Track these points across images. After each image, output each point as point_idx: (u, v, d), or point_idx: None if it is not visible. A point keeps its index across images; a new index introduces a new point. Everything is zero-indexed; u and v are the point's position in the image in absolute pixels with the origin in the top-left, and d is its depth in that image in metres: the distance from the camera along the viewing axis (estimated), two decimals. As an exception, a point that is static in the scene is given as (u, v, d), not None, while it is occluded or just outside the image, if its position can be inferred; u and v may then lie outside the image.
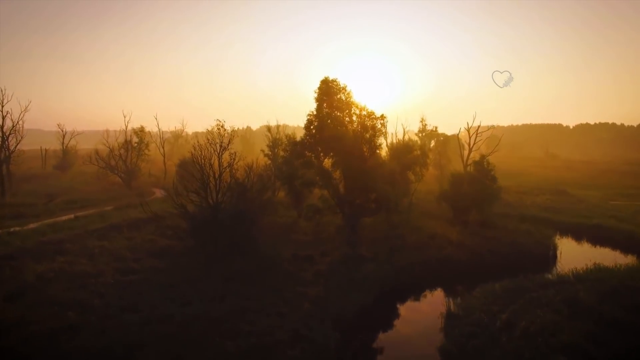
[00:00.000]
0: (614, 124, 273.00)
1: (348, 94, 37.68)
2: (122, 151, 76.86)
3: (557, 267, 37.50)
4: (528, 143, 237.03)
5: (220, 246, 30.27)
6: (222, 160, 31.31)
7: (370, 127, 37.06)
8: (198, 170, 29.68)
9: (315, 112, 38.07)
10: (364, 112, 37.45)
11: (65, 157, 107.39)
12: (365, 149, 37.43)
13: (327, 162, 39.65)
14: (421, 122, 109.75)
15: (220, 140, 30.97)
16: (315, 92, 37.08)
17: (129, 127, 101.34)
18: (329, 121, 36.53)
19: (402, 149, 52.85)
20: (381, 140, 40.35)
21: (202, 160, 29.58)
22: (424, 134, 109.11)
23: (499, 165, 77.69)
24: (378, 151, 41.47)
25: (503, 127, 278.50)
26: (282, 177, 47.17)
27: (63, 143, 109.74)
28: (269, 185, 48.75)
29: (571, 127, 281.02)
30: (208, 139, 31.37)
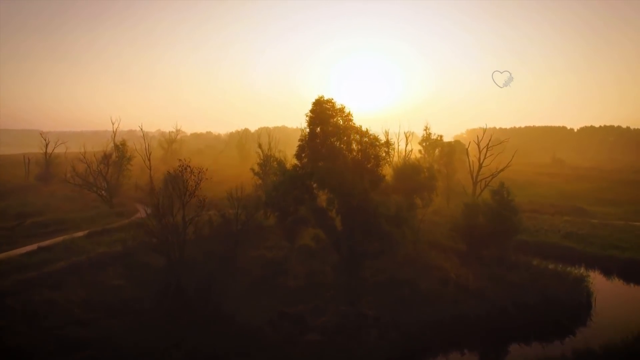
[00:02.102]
0: (619, 127, 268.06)
1: (346, 116, 31.85)
2: (102, 166, 70.75)
3: (596, 321, 31.71)
4: (532, 146, 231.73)
5: (185, 322, 24.44)
6: (188, 210, 25.58)
7: (373, 157, 31.24)
8: (157, 224, 23.96)
9: (307, 138, 32.25)
10: (365, 139, 31.60)
11: (48, 167, 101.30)
12: (366, 182, 31.56)
13: (323, 196, 33.81)
14: (425, 130, 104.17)
15: (184, 186, 25.16)
16: (307, 116, 31.27)
17: (125, 130, 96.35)
18: (323, 150, 30.73)
19: (408, 171, 47.03)
20: (386, 168, 34.51)
21: (162, 210, 23.84)
22: (427, 143, 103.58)
23: (505, 173, 72.50)
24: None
25: (505, 129, 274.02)
26: (271, 204, 41.37)
27: (46, 152, 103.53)
28: (258, 207, 43.17)
29: (575, 129, 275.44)
30: (169, 184, 25.54)
